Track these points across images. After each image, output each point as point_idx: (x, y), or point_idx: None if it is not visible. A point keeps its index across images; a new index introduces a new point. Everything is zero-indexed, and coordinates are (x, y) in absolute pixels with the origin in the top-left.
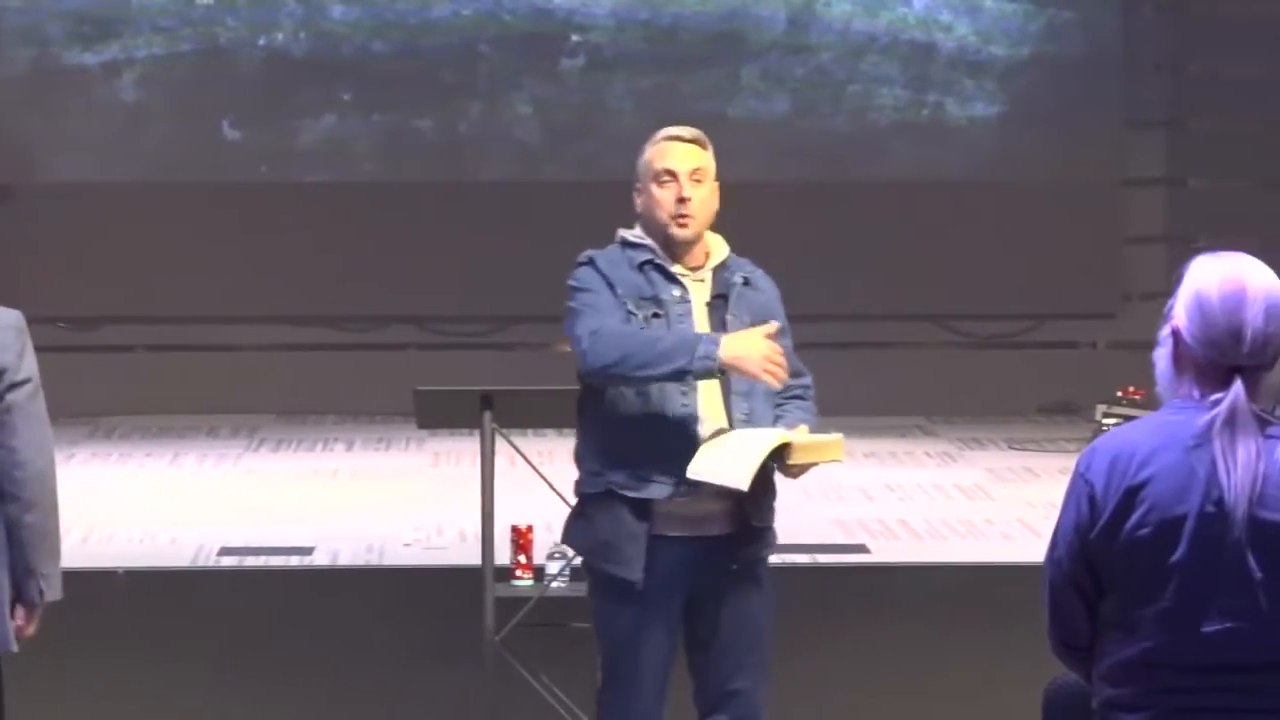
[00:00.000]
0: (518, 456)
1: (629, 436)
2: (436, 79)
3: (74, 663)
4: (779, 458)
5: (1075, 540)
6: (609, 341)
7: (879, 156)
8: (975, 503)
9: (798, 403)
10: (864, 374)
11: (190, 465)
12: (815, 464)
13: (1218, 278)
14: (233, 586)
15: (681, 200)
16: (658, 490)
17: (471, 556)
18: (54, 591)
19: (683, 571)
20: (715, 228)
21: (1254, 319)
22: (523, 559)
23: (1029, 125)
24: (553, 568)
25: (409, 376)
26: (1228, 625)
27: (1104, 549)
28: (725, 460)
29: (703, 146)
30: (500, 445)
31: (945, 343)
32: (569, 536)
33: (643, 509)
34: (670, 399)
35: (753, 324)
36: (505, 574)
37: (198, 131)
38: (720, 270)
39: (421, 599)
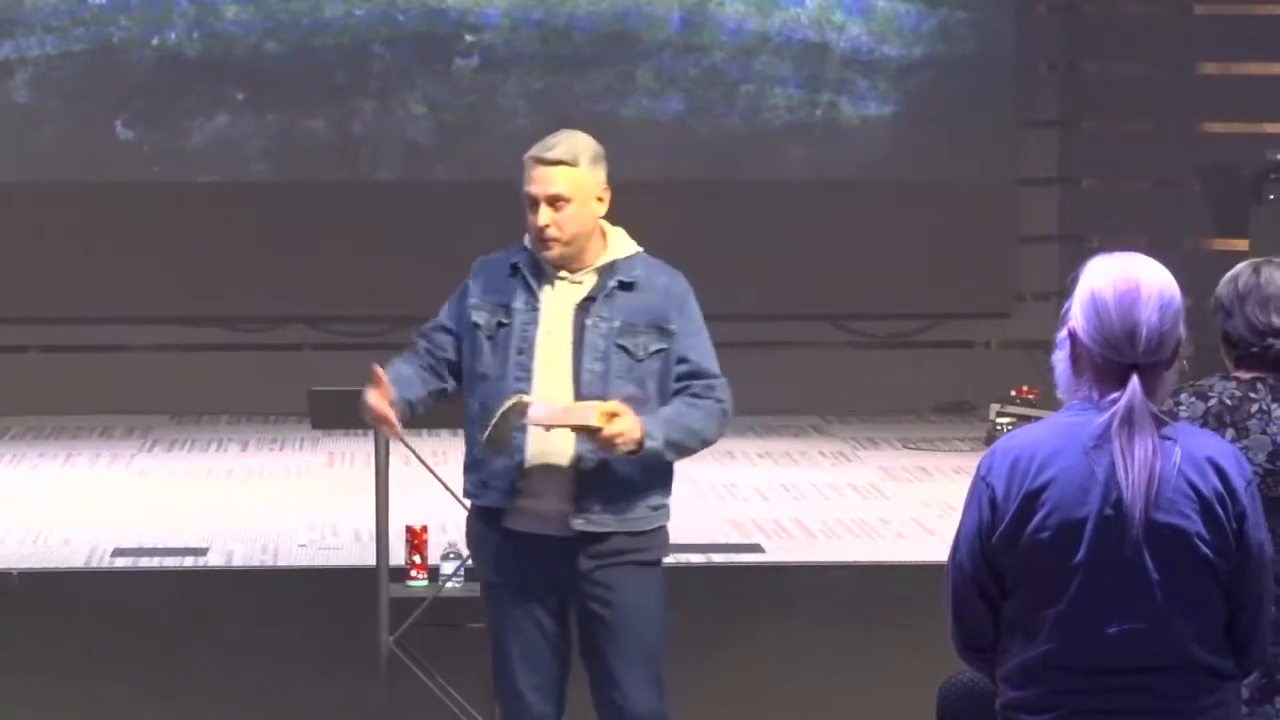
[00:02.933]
0: (412, 457)
1: (471, 444)
2: (329, 79)
3: None
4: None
5: (977, 543)
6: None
7: (773, 156)
8: (870, 502)
9: (683, 398)
10: (759, 374)
11: (83, 466)
12: (580, 427)
13: (1112, 277)
14: (127, 587)
15: (542, 227)
16: (495, 498)
17: (366, 557)
18: None
19: (537, 568)
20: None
21: (1149, 317)
22: (417, 559)
23: (923, 125)
24: (447, 568)
25: (303, 377)
26: (1127, 627)
27: (1006, 552)
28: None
29: (568, 164)
30: (394, 446)
31: (840, 342)
32: None
33: (489, 513)
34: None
35: (623, 327)
36: (400, 574)
37: (90, 131)
38: (605, 271)
39: (316, 600)
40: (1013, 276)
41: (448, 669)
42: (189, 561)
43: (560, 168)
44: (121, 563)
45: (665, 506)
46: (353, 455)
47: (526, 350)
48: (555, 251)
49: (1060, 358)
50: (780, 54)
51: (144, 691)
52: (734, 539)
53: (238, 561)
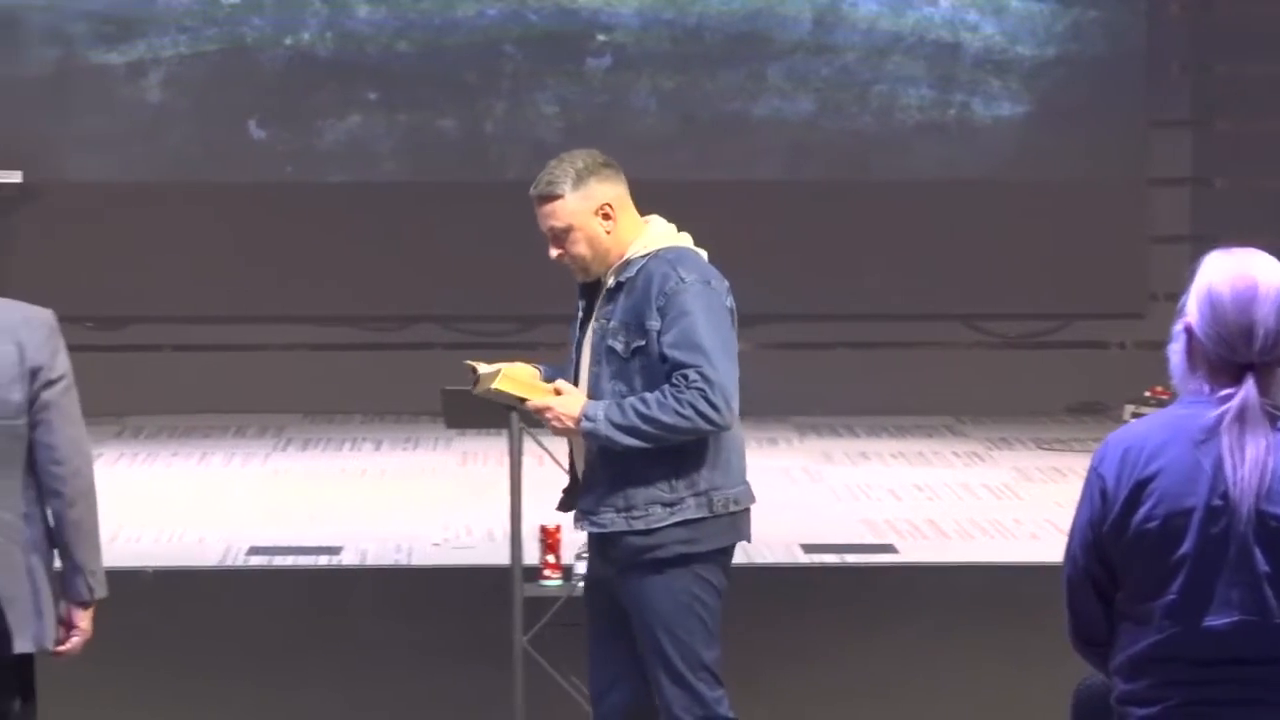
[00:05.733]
0: (546, 456)
1: None
2: (461, 79)
3: (102, 662)
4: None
5: (1089, 534)
6: None
7: (905, 156)
8: (1003, 502)
9: (656, 393)
10: (892, 374)
11: (217, 465)
12: (523, 398)
13: (1229, 275)
14: (261, 586)
15: (556, 259)
16: (564, 498)
17: (500, 556)
18: (101, 588)
19: (593, 567)
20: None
21: (1265, 317)
22: (551, 559)
23: (1054, 125)
24: (581, 568)
25: (435, 376)
26: (1234, 619)
27: (1115, 542)
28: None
29: (554, 197)
30: (528, 445)
31: (973, 343)
32: None
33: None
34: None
35: (619, 326)
36: (534, 574)
37: (223, 131)
38: (618, 272)
39: (450, 599)
40: (1145, 276)
41: (581, 669)
42: (323, 560)
43: (550, 204)
44: (256, 561)
45: (683, 501)
46: (486, 454)
47: (574, 357)
48: (579, 276)
49: (1175, 350)
50: (913, 54)
51: (276, 690)
52: (867, 539)
53: (371, 561)
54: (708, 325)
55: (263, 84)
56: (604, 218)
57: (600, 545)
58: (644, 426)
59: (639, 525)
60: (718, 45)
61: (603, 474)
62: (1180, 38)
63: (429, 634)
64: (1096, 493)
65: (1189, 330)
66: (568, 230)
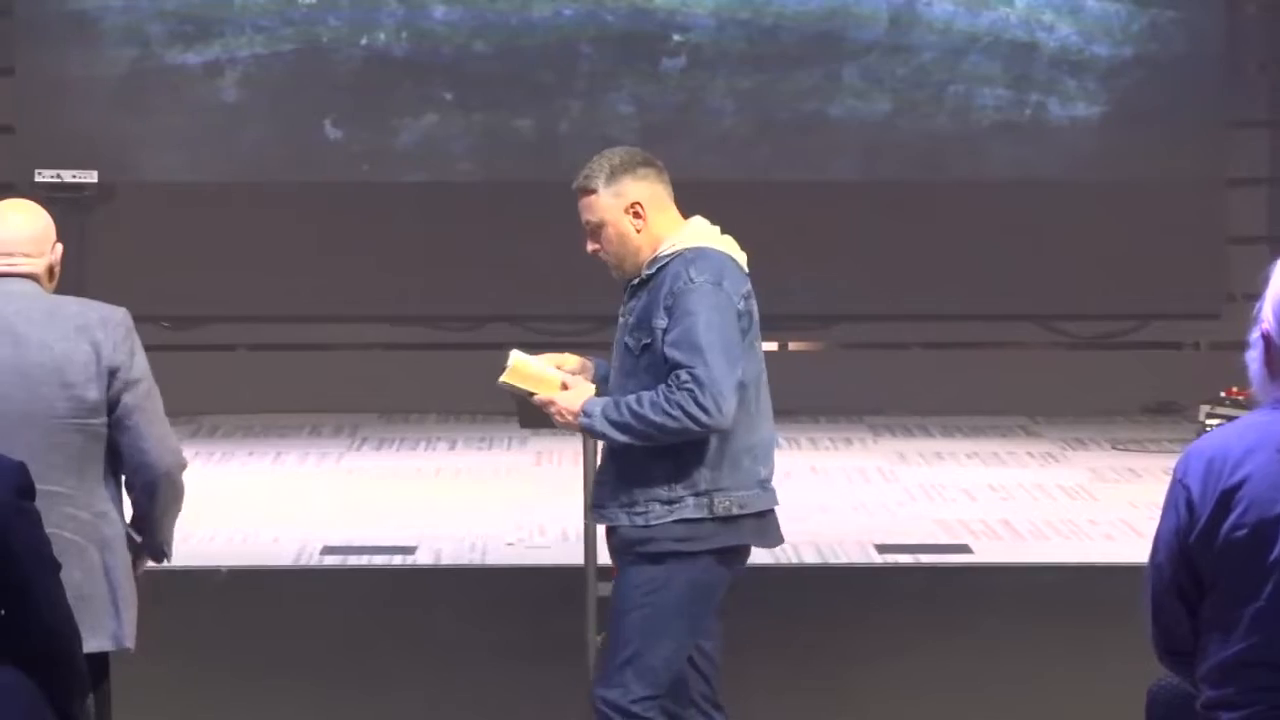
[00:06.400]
0: None
1: None
2: (536, 79)
3: (176, 661)
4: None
5: (1175, 545)
6: None
7: (980, 156)
8: (1078, 503)
9: (651, 391)
10: (967, 374)
11: (292, 464)
12: (531, 392)
13: None
14: (335, 586)
15: (592, 253)
16: None
17: (574, 556)
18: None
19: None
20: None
21: None
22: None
23: (1131, 125)
24: None
25: None
26: None
27: (1203, 552)
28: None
29: (588, 191)
30: (601, 445)
31: (1048, 343)
32: None
33: None
34: None
35: (635, 323)
36: (607, 573)
37: (298, 131)
38: (646, 269)
39: (524, 599)
40: (1222, 277)
41: None
42: (397, 560)
43: (586, 197)
44: (330, 561)
45: (682, 500)
46: (560, 454)
47: (612, 355)
48: (614, 273)
49: (1253, 357)
50: (988, 55)
51: (350, 689)
52: (942, 540)
53: (446, 560)
54: (709, 326)
55: (338, 83)
56: (635, 216)
57: (608, 538)
58: (636, 424)
59: (639, 521)
60: (793, 46)
61: (611, 470)
62: (1258, 37)
63: (502, 634)
64: (1182, 503)
65: (1266, 337)
66: (600, 225)
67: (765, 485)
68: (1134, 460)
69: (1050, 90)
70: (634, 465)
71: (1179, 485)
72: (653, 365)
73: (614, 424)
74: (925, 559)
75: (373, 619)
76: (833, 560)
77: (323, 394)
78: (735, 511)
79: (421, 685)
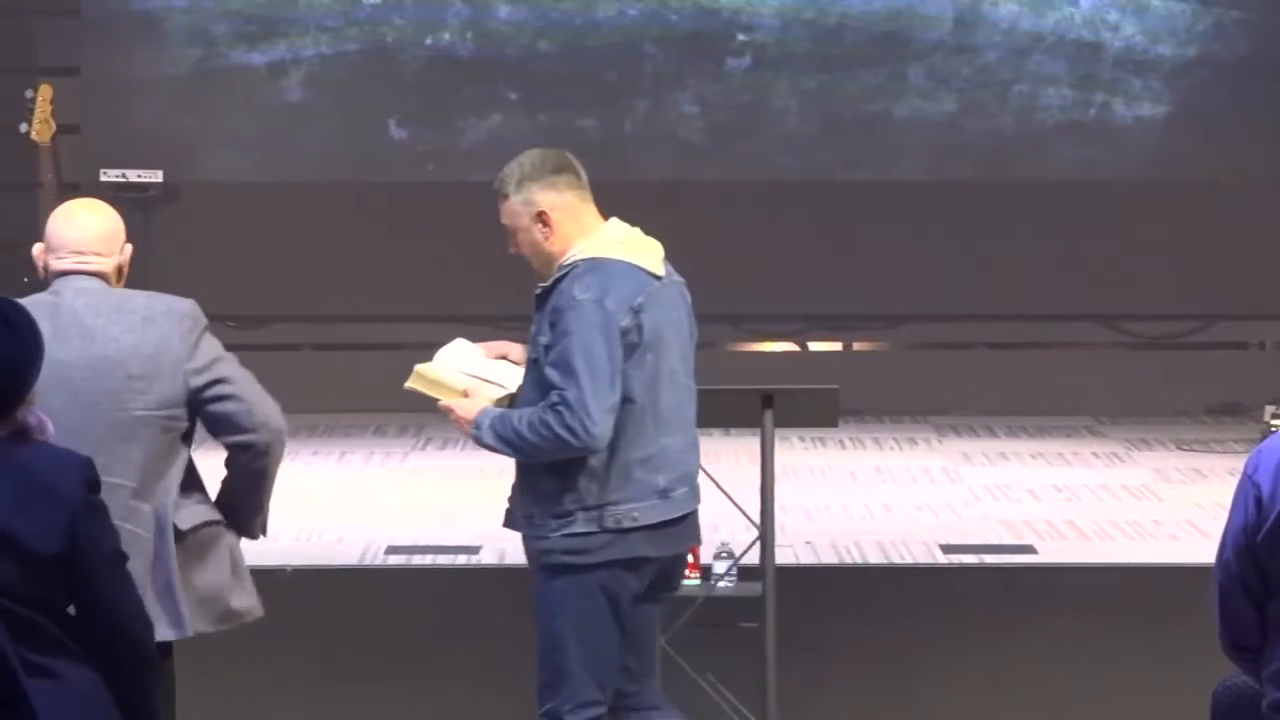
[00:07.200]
0: None
1: None
2: (602, 79)
3: (241, 661)
4: None
5: (1243, 541)
6: None
7: (1045, 156)
8: (1143, 503)
9: (530, 409)
10: (1032, 374)
11: (357, 464)
12: (434, 398)
13: None
14: (399, 585)
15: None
16: None
17: None
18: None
19: None
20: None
21: None
22: (689, 559)
23: (1196, 125)
24: (719, 567)
25: None
26: None
27: (1271, 549)
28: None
29: (501, 194)
30: None
31: (1113, 343)
32: None
33: None
34: None
35: (531, 339)
36: None
37: (363, 131)
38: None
39: None
40: None
41: (720, 669)
42: (461, 560)
43: (501, 201)
44: (394, 560)
45: (572, 515)
46: None
47: None
48: (537, 278)
49: None
50: (1053, 54)
51: (413, 689)
52: (1007, 540)
53: (510, 560)
54: (584, 346)
55: (403, 83)
56: (543, 224)
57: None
58: (516, 441)
59: (536, 533)
60: (858, 46)
61: (517, 482)
62: None
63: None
64: (1251, 500)
65: None
66: (513, 230)
67: (666, 494)
68: (1199, 461)
69: (1115, 90)
70: (531, 479)
71: (1249, 481)
72: (541, 380)
73: (500, 438)
74: (990, 559)
75: (437, 619)
76: (897, 560)
77: (387, 394)
78: (627, 524)
79: (484, 685)
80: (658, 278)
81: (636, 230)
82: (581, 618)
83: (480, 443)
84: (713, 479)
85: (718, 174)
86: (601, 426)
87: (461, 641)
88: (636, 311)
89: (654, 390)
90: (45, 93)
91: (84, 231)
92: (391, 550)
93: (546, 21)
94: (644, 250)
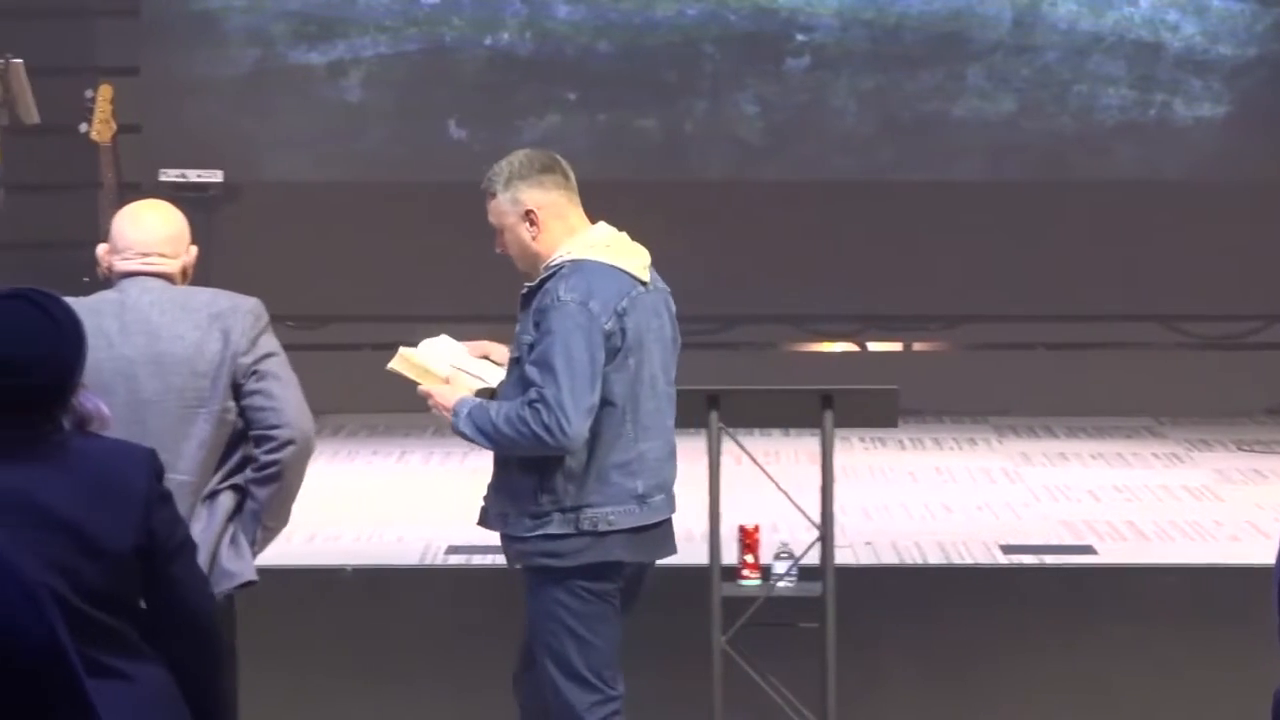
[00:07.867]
0: (744, 456)
1: None
2: (660, 79)
3: (301, 660)
4: None
5: None
6: None
7: (1104, 156)
8: (1203, 504)
9: (509, 404)
10: (1091, 374)
11: (416, 463)
12: (415, 382)
13: None
14: (459, 585)
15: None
16: None
17: (699, 556)
18: (262, 548)
19: None
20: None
21: None
22: (749, 559)
23: (1256, 125)
24: (780, 567)
25: None
26: None
27: None
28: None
29: (488, 193)
30: (727, 444)
31: (1172, 344)
32: None
33: None
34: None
35: (515, 337)
36: (732, 574)
37: (422, 131)
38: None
39: (648, 598)
40: None
41: (780, 669)
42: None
43: (488, 200)
44: (454, 560)
45: (548, 516)
46: (684, 453)
47: None
48: (523, 271)
49: None
50: (1113, 53)
51: (471, 688)
52: (1067, 540)
53: None
54: (565, 347)
55: (462, 83)
56: (530, 223)
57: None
58: (491, 432)
59: (513, 532)
60: (917, 46)
61: (495, 478)
62: None
63: (627, 633)
64: None
65: None
66: (500, 230)
67: (645, 500)
68: (1259, 461)
69: (1174, 90)
70: (509, 477)
71: None
72: (522, 378)
73: (477, 428)
74: (1050, 560)
75: (497, 618)
76: (957, 560)
77: None
78: (603, 528)
79: None
80: (643, 283)
81: (624, 234)
82: (571, 615)
83: (456, 430)
84: (772, 479)
85: (777, 174)
86: (577, 427)
87: (522, 641)
88: (620, 315)
89: (634, 394)
90: (105, 93)
91: (149, 233)
92: (452, 550)
93: (605, 21)
94: (630, 255)
